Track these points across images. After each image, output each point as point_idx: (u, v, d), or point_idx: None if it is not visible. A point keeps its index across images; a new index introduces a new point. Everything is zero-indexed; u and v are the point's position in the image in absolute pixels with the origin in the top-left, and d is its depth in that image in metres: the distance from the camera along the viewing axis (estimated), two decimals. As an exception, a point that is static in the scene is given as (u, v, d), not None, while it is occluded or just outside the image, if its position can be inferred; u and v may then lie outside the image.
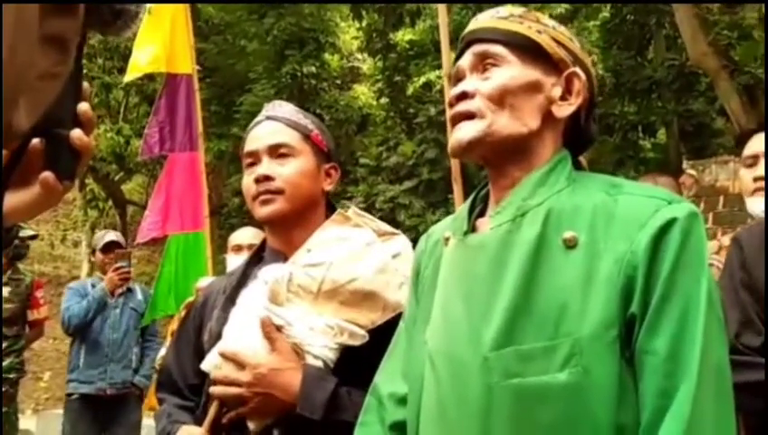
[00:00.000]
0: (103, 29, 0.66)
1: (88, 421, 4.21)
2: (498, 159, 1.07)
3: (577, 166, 1.10)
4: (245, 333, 1.32)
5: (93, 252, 4.59)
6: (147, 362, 4.36)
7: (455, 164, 3.19)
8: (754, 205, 1.96)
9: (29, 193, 0.67)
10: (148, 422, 4.61)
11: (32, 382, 10.23)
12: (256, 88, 10.39)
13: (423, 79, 9.74)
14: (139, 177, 12.76)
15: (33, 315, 4.30)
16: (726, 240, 2.65)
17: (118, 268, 4.17)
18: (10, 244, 0.96)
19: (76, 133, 0.64)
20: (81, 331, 4.22)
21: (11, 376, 4.11)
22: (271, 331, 1.30)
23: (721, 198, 6.37)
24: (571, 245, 0.97)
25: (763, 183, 1.92)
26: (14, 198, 0.66)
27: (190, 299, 1.88)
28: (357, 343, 1.29)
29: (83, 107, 0.65)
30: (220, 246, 6.20)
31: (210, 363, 1.34)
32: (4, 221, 0.67)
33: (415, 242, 1.41)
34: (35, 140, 0.64)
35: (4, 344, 4.09)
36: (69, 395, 4.26)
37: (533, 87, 1.05)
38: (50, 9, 0.44)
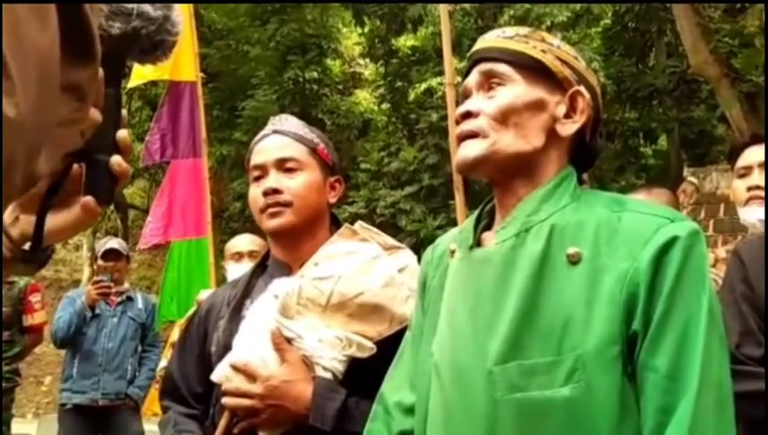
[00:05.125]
0: (142, 58, 0.69)
1: (84, 432, 4.14)
2: (503, 177, 1.09)
3: (579, 182, 1.12)
4: (256, 345, 1.33)
5: (96, 258, 4.57)
6: (143, 371, 4.28)
7: (456, 172, 3.19)
8: (748, 214, 2.02)
9: (69, 214, 0.69)
10: (149, 427, 4.60)
11: (33, 387, 10.22)
12: (258, 93, 10.42)
13: (425, 85, 9.76)
14: (140, 181, 12.78)
15: (27, 321, 4.11)
16: (722, 252, 2.68)
17: (96, 282, 4.12)
18: (47, 261, 0.97)
19: (116, 159, 0.67)
20: (66, 344, 4.16)
21: None
22: (281, 343, 1.32)
23: (722, 206, 6.38)
24: (574, 260, 0.98)
25: (756, 192, 1.97)
26: (55, 219, 0.68)
27: (192, 311, 1.90)
28: (365, 354, 1.31)
29: (122, 134, 0.68)
30: (222, 251, 6.19)
31: (220, 375, 1.36)
32: (45, 240, 0.69)
33: (417, 246, 1.43)
34: (75, 166, 0.67)
35: None
36: (62, 405, 4.18)
37: (538, 106, 1.07)
38: (69, 60, 0.46)
